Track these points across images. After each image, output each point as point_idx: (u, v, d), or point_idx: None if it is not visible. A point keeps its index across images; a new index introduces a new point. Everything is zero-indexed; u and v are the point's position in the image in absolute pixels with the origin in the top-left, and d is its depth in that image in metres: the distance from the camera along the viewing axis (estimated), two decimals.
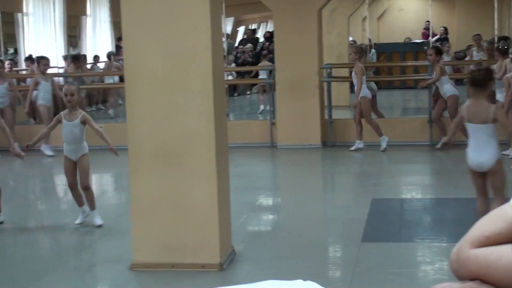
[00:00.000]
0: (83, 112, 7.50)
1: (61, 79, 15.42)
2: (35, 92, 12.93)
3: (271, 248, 6.70)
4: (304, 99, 12.30)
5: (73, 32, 22.69)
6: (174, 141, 5.85)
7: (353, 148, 11.81)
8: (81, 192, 7.56)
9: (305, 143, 12.30)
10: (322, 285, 1.78)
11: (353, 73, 11.85)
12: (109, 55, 20.37)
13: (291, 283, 1.30)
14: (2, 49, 18.55)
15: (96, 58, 20.57)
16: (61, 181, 10.42)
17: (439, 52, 11.93)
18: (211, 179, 5.84)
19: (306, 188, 9.75)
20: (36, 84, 12.59)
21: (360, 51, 11.97)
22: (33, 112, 13.89)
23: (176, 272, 5.84)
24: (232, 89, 21.09)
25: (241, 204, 7.92)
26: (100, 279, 6.09)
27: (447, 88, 11.53)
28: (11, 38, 20.28)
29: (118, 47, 23.41)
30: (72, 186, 7.58)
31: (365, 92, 11.73)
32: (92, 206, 7.57)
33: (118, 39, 24.31)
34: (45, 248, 7.15)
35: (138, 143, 5.92)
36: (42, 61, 13.07)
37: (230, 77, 18.30)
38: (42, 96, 12.56)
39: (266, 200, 9.17)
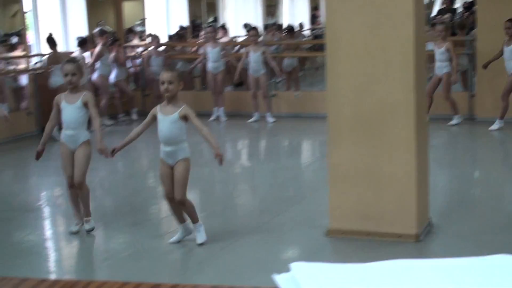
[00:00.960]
0: (184, 105, 5.95)
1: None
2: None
3: (469, 221, 6.54)
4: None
5: (271, 2, 23.06)
6: (373, 110, 5.84)
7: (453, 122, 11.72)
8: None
9: (507, 116, 11.80)
10: None
11: (442, 49, 11.42)
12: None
13: None
14: (205, 17, 19.19)
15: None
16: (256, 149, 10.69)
17: None
18: (410, 149, 5.78)
19: (507, 163, 9.42)
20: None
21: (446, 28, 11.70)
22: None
23: (372, 241, 5.86)
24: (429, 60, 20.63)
25: (437, 176, 7.78)
26: (296, 243, 6.22)
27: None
28: (212, 7, 20.93)
29: (313, 16, 23.59)
30: (170, 197, 6.05)
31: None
32: (194, 219, 6.14)
33: (313, 8, 24.49)
34: (243, 209, 7.40)
35: (338, 112, 5.96)
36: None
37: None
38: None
39: (464, 173, 8.94)
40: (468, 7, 21.32)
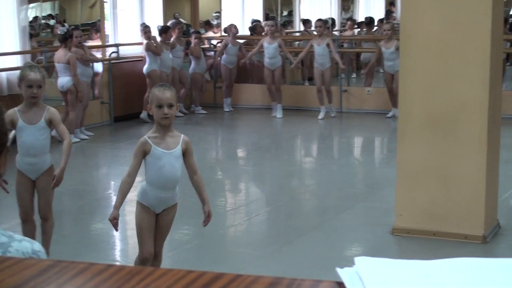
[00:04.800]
0: (182, 136, 4.55)
1: None
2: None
3: None
4: None
5: None
6: (446, 108, 5.76)
7: None
8: None
9: None
10: None
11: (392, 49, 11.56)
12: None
13: None
14: (279, 11, 19.22)
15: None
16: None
17: None
18: (481, 149, 5.68)
19: None
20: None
21: None
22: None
23: (437, 240, 5.79)
24: (505, 58, 20.25)
25: (508, 178, 7.63)
26: (360, 240, 6.19)
27: None
28: (287, 1, 20.91)
29: (388, 12, 23.36)
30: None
31: None
32: None
33: (390, 3, 24.25)
34: (308, 205, 7.39)
35: (409, 109, 5.90)
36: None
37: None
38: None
39: None
40: None
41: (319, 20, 13.16)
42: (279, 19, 18.46)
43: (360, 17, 21.80)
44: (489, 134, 5.69)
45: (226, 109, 13.64)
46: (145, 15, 14.02)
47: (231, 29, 13.82)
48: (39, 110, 5.09)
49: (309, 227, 6.42)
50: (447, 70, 5.73)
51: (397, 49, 11.20)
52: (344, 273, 1.22)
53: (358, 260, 1.24)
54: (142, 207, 4.55)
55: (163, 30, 12.73)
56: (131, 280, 1.32)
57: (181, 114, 12.94)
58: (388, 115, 12.21)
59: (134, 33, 13.70)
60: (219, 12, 17.11)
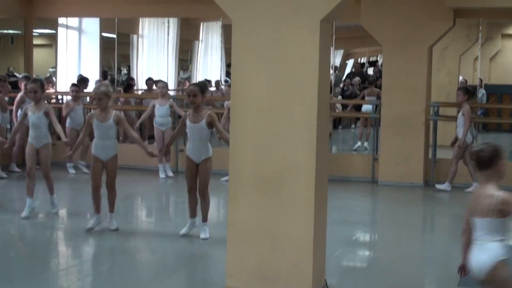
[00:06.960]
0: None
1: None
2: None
3: (364, 284, 6.61)
4: (409, 136, 12.15)
5: (184, 56, 23.15)
6: (274, 169, 5.86)
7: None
8: None
9: (407, 181, 12.13)
10: None
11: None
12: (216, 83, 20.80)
13: None
14: (116, 69, 19.10)
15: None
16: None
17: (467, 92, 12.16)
18: (309, 210, 5.80)
19: (405, 226, 9.58)
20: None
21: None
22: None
23: None
24: (338, 122, 21.06)
25: (337, 238, 7.86)
26: None
27: None
28: (125, 59, 20.88)
29: (227, 73, 23.81)
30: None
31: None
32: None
33: (228, 65, 24.72)
34: (139, 265, 7.27)
35: (239, 170, 5.96)
36: (159, 84, 13.04)
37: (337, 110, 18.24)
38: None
39: (363, 236, 9.07)
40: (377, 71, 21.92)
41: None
42: (116, 76, 18.33)
43: (199, 77, 22.07)
44: (316, 195, 5.83)
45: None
46: None
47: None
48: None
49: None
50: (275, 132, 5.85)
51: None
52: None
53: None
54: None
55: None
56: None
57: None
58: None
59: None
60: (55, 67, 16.81)
